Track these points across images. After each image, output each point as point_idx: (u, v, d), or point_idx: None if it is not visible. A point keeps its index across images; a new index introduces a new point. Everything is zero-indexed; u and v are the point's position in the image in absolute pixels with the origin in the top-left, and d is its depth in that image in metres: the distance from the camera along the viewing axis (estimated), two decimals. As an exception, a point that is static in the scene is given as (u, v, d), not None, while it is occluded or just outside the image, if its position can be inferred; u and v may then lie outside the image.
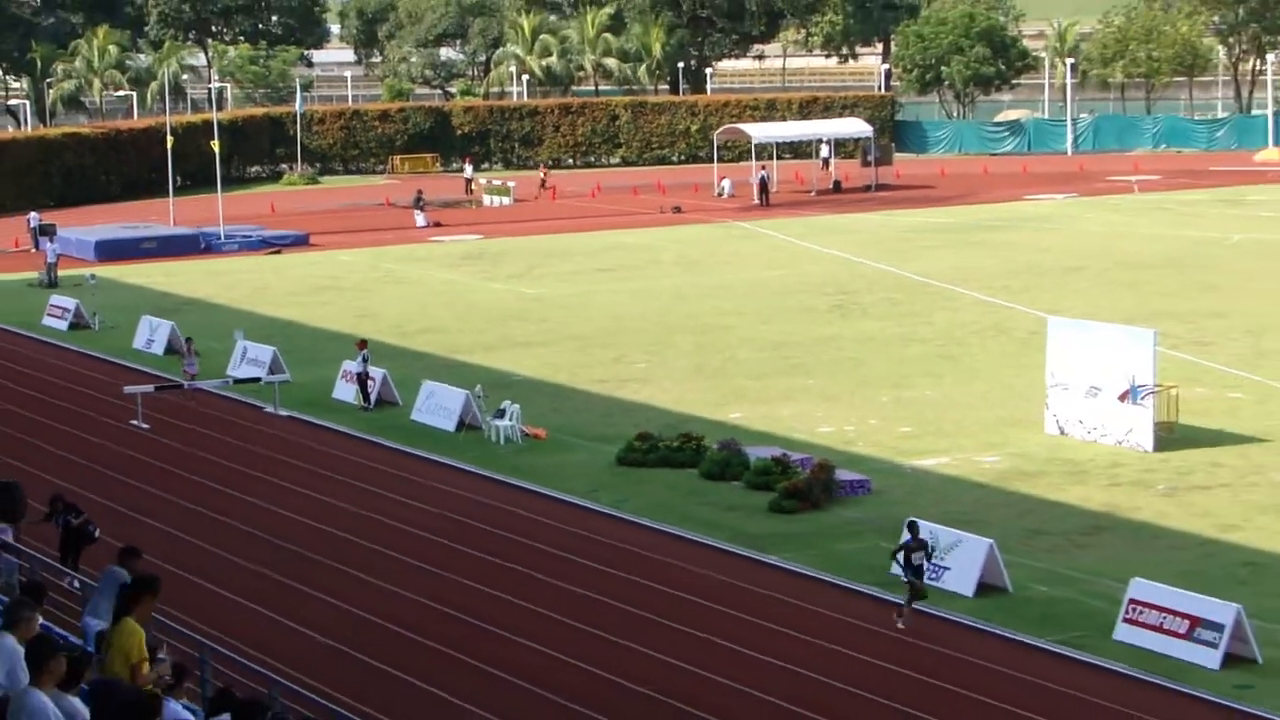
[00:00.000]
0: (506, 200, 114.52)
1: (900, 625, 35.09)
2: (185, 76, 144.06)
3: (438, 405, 60.30)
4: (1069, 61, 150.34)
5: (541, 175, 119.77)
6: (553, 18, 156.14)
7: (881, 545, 44.17)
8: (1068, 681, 37.13)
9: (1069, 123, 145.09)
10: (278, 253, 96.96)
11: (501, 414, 57.65)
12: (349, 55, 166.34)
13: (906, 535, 36.05)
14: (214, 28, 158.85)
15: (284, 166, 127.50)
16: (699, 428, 56.37)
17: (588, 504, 50.70)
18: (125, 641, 21.62)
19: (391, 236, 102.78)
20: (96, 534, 32.83)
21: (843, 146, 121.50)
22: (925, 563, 35.75)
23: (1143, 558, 43.33)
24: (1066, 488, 51.57)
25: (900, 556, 36.12)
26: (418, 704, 33.83)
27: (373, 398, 62.36)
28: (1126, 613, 39.30)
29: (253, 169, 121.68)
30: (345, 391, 63.34)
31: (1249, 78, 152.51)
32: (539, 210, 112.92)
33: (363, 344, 64.93)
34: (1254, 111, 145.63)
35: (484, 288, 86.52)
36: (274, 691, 24.64)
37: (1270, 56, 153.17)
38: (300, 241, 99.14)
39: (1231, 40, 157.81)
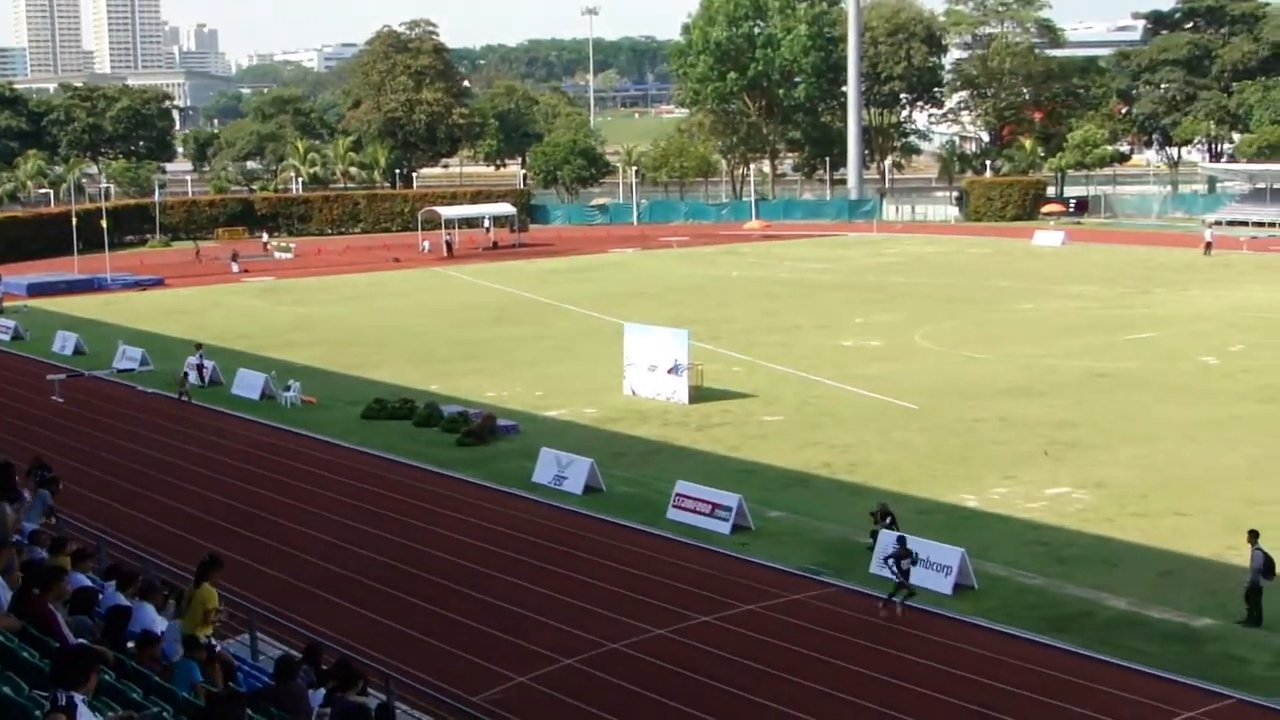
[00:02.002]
0: (289, 255, 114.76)
1: (883, 613, 32.63)
2: (84, 180, 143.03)
3: (248, 384, 61.34)
4: (634, 168, 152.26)
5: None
6: (316, 142, 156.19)
7: (525, 465, 47.05)
8: (638, 543, 40.12)
9: (634, 205, 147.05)
10: (144, 290, 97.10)
11: (288, 388, 59.43)
12: (189, 166, 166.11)
13: (894, 545, 32.84)
14: (103, 150, 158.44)
15: (148, 235, 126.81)
16: (412, 395, 58.27)
17: (342, 442, 52.44)
18: (204, 596, 20.22)
19: (216, 279, 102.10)
20: (60, 485, 32.79)
21: (498, 220, 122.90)
22: (911, 568, 32.89)
23: (683, 468, 45.46)
24: (637, 427, 53.61)
25: (891, 563, 32.86)
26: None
27: (207, 379, 63.36)
28: (674, 502, 42.11)
29: (128, 237, 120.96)
30: (191, 374, 62.37)
31: (741, 178, 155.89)
32: (310, 261, 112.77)
33: (199, 346, 66.35)
34: (743, 198, 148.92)
35: (275, 309, 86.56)
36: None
37: (752, 167, 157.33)
38: (158, 283, 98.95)
39: (729, 156, 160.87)
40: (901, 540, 32.51)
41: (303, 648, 23.89)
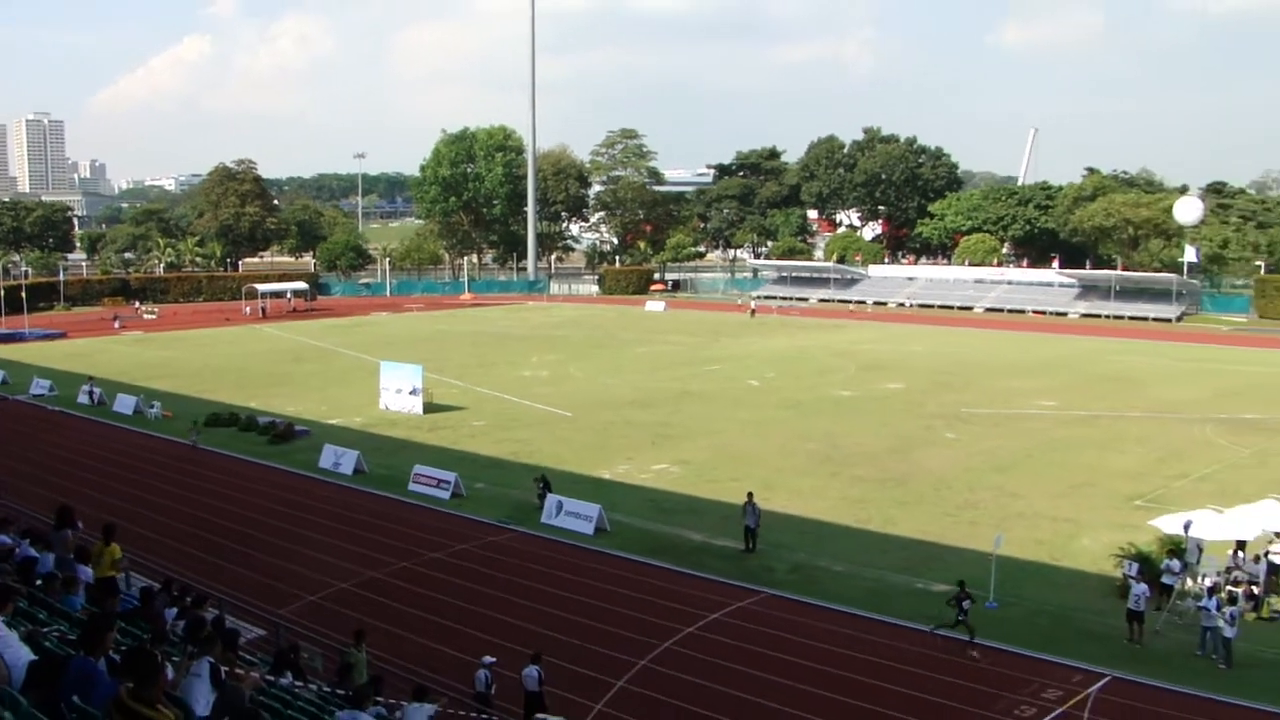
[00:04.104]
0: (154, 316, 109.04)
1: (976, 656, 25.79)
2: (10, 264, 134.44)
3: (125, 404, 57.83)
4: (387, 259, 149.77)
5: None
6: (173, 240, 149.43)
7: (313, 455, 45.78)
8: (389, 506, 39.66)
9: (387, 283, 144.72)
10: (51, 340, 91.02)
11: (153, 406, 56.50)
12: (84, 256, 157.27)
13: (958, 590, 26.75)
14: (23, 244, 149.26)
15: (55, 303, 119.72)
16: (238, 410, 55.78)
17: (189, 442, 49.67)
18: (111, 551, 19.31)
19: (103, 332, 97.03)
20: None
21: (296, 293, 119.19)
22: (970, 605, 26.50)
23: (420, 456, 44.58)
24: (389, 430, 52.23)
25: (955, 604, 26.52)
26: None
27: (96, 401, 59.82)
28: (414, 479, 41.49)
29: (40, 304, 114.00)
30: (84, 398, 59.96)
31: (458, 266, 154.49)
32: (168, 321, 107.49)
33: (91, 378, 62.87)
34: (459, 279, 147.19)
35: (144, 353, 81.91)
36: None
37: (465, 258, 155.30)
38: (62, 335, 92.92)
39: (451, 252, 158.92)
40: (962, 585, 27.17)
41: (160, 581, 23.32)
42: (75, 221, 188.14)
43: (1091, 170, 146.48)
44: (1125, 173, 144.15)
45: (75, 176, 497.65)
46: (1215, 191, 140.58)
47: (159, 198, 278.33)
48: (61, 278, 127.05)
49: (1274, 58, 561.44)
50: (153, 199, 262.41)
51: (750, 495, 34.89)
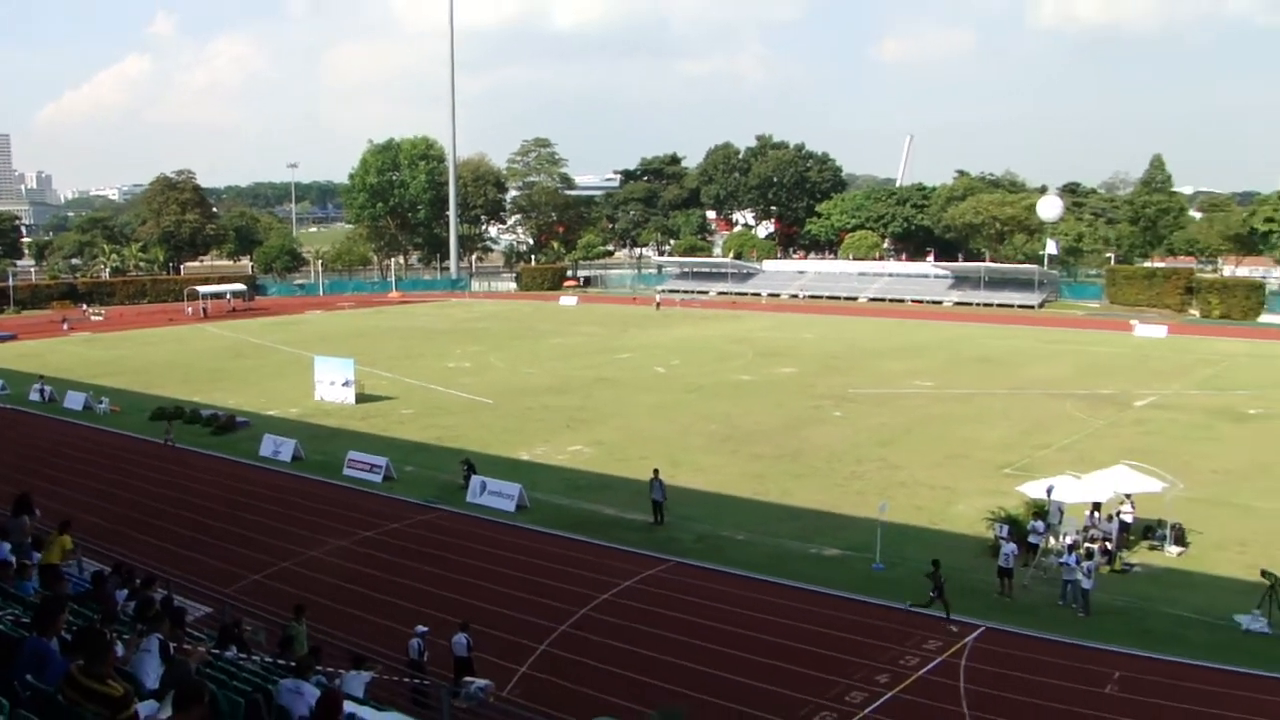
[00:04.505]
0: (101, 318, 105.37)
1: (954, 630, 24.85)
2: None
3: (75, 400, 56.16)
4: (320, 261, 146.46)
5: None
6: (118, 246, 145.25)
7: (254, 445, 45.00)
8: (325, 490, 39.14)
9: (320, 284, 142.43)
10: (4, 341, 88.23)
11: (101, 402, 54.99)
12: (33, 262, 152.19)
13: (932, 569, 25.75)
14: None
15: (6, 306, 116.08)
16: (183, 403, 54.18)
17: (137, 435, 48.83)
18: (63, 541, 18.73)
19: (52, 334, 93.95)
20: None
21: (235, 294, 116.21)
22: (944, 583, 25.37)
23: (353, 443, 43.77)
24: (324, 419, 51.28)
25: (934, 586, 25.50)
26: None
27: (47, 398, 57.98)
28: (348, 464, 41.04)
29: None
30: (35, 395, 58.38)
31: (386, 267, 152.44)
32: (115, 322, 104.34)
33: (42, 376, 61.23)
34: (388, 279, 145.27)
35: (92, 353, 79.14)
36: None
37: (393, 260, 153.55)
38: (13, 337, 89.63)
39: (379, 254, 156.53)
40: (936, 564, 25.98)
41: (111, 565, 22.85)
42: (23, 230, 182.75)
43: (962, 173, 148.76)
44: (992, 175, 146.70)
45: (22, 188, 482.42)
46: (1070, 191, 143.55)
47: (104, 206, 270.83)
48: (11, 283, 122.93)
49: (1121, 72, 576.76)
50: (98, 208, 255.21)
51: (656, 472, 35.04)
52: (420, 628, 22.94)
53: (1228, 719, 20.78)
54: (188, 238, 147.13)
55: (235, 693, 11.47)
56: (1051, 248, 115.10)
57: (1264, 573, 25.66)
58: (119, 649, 10.95)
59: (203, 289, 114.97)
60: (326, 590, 28.29)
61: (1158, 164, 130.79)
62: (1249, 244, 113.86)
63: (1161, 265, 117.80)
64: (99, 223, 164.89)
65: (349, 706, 11.54)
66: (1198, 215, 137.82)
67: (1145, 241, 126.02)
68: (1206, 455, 42.21)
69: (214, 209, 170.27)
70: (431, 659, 22.31)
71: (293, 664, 14.57)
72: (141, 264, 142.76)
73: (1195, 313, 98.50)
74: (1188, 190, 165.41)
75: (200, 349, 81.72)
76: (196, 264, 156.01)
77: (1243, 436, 45.92)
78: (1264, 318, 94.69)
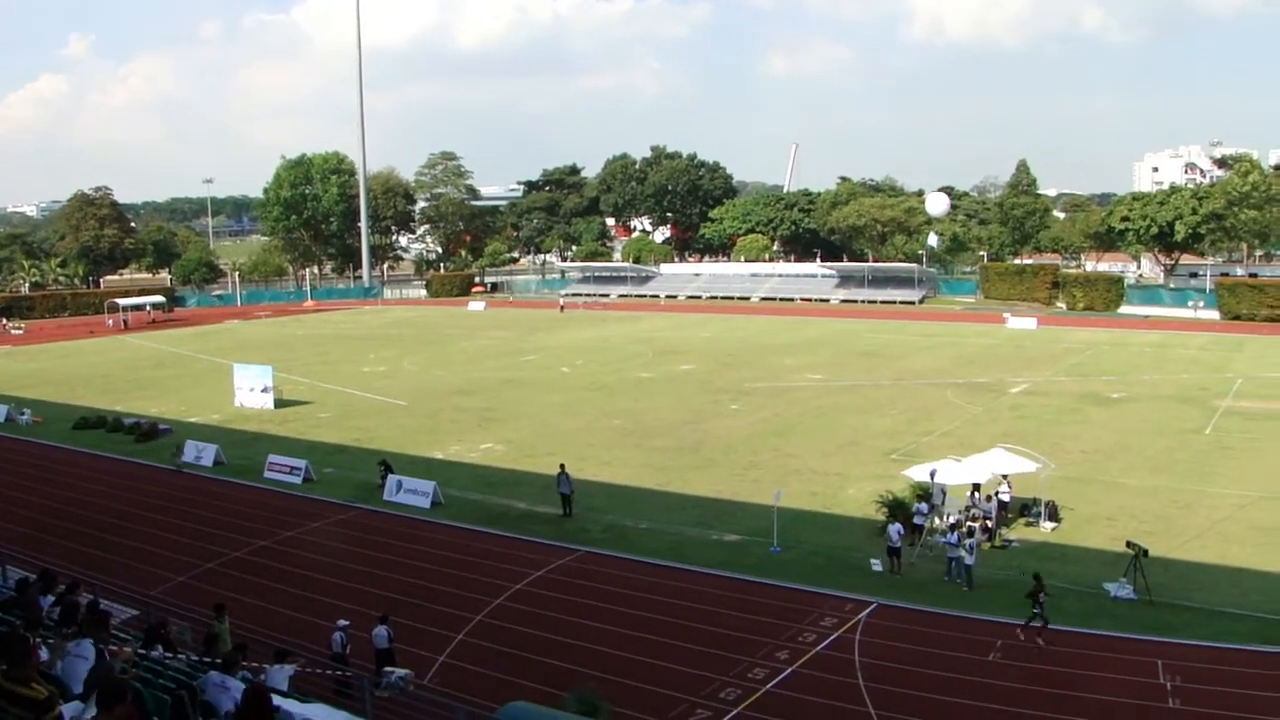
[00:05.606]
0: (21, 331, 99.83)
1: (1041, 642, 22.95)
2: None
3: (16, 413, 53.34)
4: (237, 273, 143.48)
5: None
6: (37, 261, 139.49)
7: (173, 450, 43.85)
8: (247, 493, 38.47)
9: (238, 294, 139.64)
10: None
11: (23, 413, 52.44)
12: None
13: (1034, 583, 23.62)
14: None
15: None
16: (105, 413, 52.08)
17: (62, 444, 47.19)
18: None
19: None
20: None
21: (155, 305, 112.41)
22: (1045, 599, 23.41)
23: (273, 447, 43.13)
24: (244, 425, 50.12)
25: (1034, 597, 23.29)
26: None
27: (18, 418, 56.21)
28: (268, 468, 40.39)
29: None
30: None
31: (301, 277, 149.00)
32: (35, 335, 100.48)
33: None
34: (302, 288, 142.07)
35: (13, 365, 75.04)
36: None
37: (307, 270, 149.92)
38: None
39: (294, 265, 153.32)
40: (1037, 577, 24.22)
41: (36, 572, 22.13)
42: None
43: (844, 178, 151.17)
44: (873, 180, 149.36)
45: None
46: (946, 194, 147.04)
47: (21, 223, 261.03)
48: None
49: (987, 83, 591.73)
50: (15, 224, 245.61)
51: (562, 466, 35.11)
52: (342, 621, 22.70)
53: (1099, 678, 21.45)
54: (106, 252, 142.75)
55: (161, 690, 11.23)
56: (934, 241, 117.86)
57: (1129, 544, 26.42)
58: (43, 653, 10.65)
59: (123, 301, 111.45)
60: (251, 589, 27.81)
61: (1024, 168, 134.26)
62: (1108, 241, 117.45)
63: (1030, 262, 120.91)
64: (17, 238, 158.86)
65: (274, 700, 11.34)
66: (1061, 215, 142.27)
67: (1015, 240, 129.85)
68: (1075, 437, 43.28)
69: (132, 224, 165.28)
70: (354, 651, 22.11)
71: (218, 660, 14.32)
72: (61, 278, 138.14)
73: (1062, 305, 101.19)
74: (1052, 192, 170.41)
75: (121, 359, 79.32)
76: (116, 277, 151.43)
77: (1107, 418, 47.04)
78: (1124, 309, 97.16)
